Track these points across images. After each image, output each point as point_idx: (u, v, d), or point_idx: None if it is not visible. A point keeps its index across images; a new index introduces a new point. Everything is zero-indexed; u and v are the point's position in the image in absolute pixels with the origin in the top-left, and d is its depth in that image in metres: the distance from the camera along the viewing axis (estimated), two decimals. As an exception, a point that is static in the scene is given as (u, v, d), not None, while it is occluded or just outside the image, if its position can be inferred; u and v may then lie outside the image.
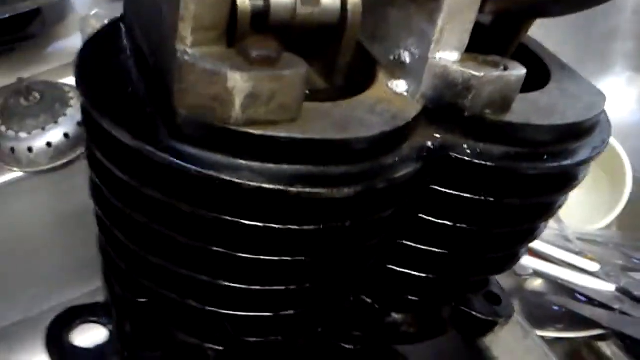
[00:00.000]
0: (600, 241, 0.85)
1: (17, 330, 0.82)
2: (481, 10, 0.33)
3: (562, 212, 0.88)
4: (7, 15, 0.74)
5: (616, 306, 0.77)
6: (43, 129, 0.68)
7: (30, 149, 0.68)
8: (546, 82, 0.40)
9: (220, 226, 0.31)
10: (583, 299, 0.79)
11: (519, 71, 0.34)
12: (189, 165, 0.28)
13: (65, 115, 0.70)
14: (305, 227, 0.31)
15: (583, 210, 0.89)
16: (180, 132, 0.29)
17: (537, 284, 0.83)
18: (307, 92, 0.37)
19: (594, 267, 0.80)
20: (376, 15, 0.36)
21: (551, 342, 0.77)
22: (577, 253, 0.82)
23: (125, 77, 0.33)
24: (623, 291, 0.78)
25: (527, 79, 0.38)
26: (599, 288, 0.79)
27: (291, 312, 0.36)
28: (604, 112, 0.40)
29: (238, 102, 0.28)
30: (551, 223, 0.86)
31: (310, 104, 0.31)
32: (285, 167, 0.29)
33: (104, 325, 0.46)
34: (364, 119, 0.32)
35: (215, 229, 0.31)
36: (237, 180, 0.28)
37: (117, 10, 0.74)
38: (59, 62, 0.81)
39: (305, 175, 0.29)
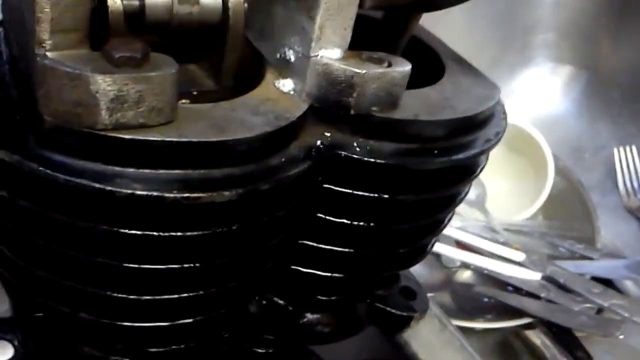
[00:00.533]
0: (526, 231, 0.87)
1: None
2: (361, 5, 0.33)
3: (488, 204, 0.90)
4: None
5: (542, 294, 0.78)
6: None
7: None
8: (441, 77, 0.40)
9: (99, 236, 0.30)
10: (511, 288, 0.81)
11: (403, 67, 0.34)
12: (57, 174, 0.27)
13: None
14: (189, 233, 0.30)
15: (509, 201, 0.91)
16: (48, 140, 0.28)
17: (465, 275, 0.84)
18: (195, 93, 0.36)
19: (520, 256, 0.82)
20: (263, 13, 0.36)
21: (481, 333, 0.78)
22: (503, 243, 0.84)
23: (0, 83, 0.32)
24: (549, 279, 0.80)
25: (422, 74, 0.38)
26: (525, 277, 0.80)
27: (189, 320, 0.36)
28: (498, 104, 0.40)
29: (103, 105, 0.27)
30: (478, 215, 0.88)
31: (189, 106, 0.31)
32: (161, 172, 0.29)
33: (9, 341, 0.45)
34: (245, 120, 0.31)
35: (95, 239, 0.30)
36: (108, 188, 0.27)
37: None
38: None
39: (183, 179, 0.29)
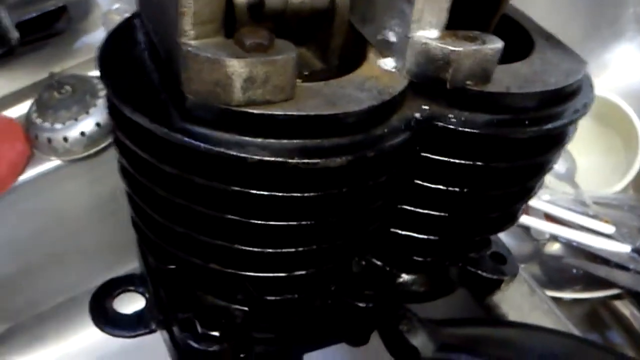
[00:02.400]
0: (616, 204, 0.87)
1: (64, 310, 0.88)
2: (458, -9, 0.36)
3: (578, 177, 0.91)
4: (35, 15, 0.80)
5: (631, 266, 0.79)
6: (76, 119, 0.74)
7: (65, 139, 0.74)
8: (530, 53, 0.43)
9: (232, 196, 0.35)
10: (599, 260, 0.82)
11: (495, 44, 0.37)
12: (199, 143, 0.33)
13: (95, 105, 0.75)
14: (306, 194, 0.35)
15: (599, 174, 0.92)
16: (190, 115, 0.33)
17: (555, 247, 0.85)
18: (306, 73, 0.41)
19: (610, 229, 0.82)
20: (364, 1, 0.40)
21: (570, 303, 0.80)
22: (593, 216, 0.84)
23: (141, 67, 0.37)
24: (638, 252, 0.81)
25: (513, 50, 0.41)
26: (614, 249, 0.81)
27: (303, 272, 0.41)
28: (586, 77, 0.43)
29: (237, 85, 0.32)
30: (567, 188, 0.89)
31: (305, 84, 0.35)
32: (284, 141, 0.33)
33: (141, 293, 0.51)
34: (353, 95, 0.35)
35: (227, 199, 0.35)
36: (242, 155, 0.32)
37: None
38: (86, 55, 0.86)
39: (302, 147, 0.33)
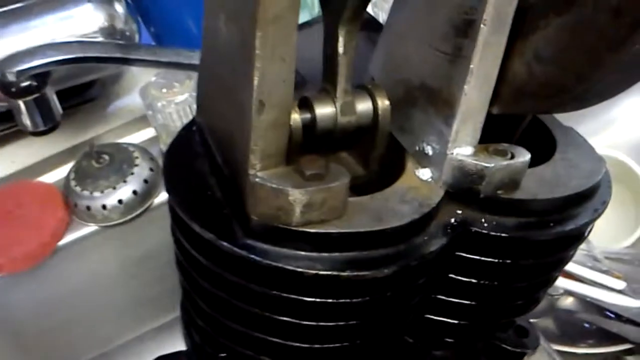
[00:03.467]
0: (627, 259, 0.91)
1: (96, 364, 0.92)
2: (489, 112, 0.40)
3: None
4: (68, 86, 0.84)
5: (643, 322, 0.82)
6: (114, 188, 0.78)
7: (104, 207, 0.78)
8: (552, 148, 0.47)
9: (288, 302, 0.39)
10: (611, 315, 0.85)
11: (524, 157, 0.41)
12: (261, 259, 0.36)
13: (132, 174, 0.79)
14: (355, 300, 0.39)
15: (609, 228, 0.95)
16: (253, 232, 0.37)
17: (568, 302, 0.89)
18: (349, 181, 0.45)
19: (621, 284, 0.86)
20: (403, 113, 0.44)
21: (583, 357, 0.83)
22: (604, 272, 0.88)
23: (203, 182, 0.41)
24: (649, 307, 0.84)
25: (536, 147, 0.45)
26: (626, 304, 0.84)
27: (346, 361, 0.44)
28: (605, 175, 0.47)
29: (297, 210, 0.36)
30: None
31: (353, 200, 0.39)
32: (336, 255, 0.37)
33: (189, 375, 0.55)
34: (397, 209, 0.39)
35: (284, 304, 0.39)
36: (299, 269, 0.36)
37: (174, 78, 0.82)
38: (120, 120, 0.90)
39: (352, 260, 0.37)
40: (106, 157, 0.80)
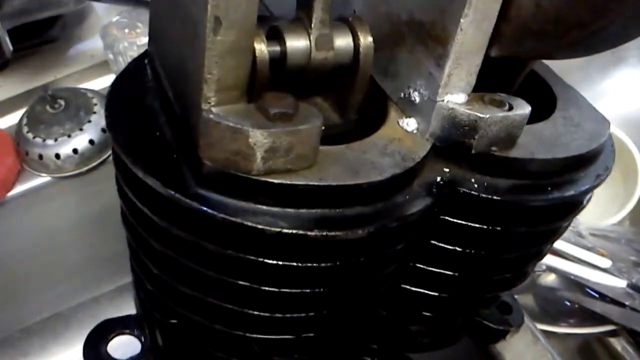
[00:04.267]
0: (613, 237, 0.87)
1: (49, 325, 0.86)
2: (487, 54, 0.35)
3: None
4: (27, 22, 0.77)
5: (627, 302, 0.79)
6: (69, 136, 0.71)
7: (57, 156, 0.71)
8: (552, 106, 0.42)
9: (246, 264, 0.33)
10: (595, 294, 0.81)
11: (523, 110, 0.36)
12: (215, 212, 0.31)
13: (90, 122, 0.72)
14: (323, 264, 0.34)
15: (596, 206, 0.91)
16: (207, 181, 0.31)
17: (550, 279, 0.85)
18: (323, 128, 0.39)
19: (606, 263, 0.82)
20: (387, 53, 0.38)
21: (563, 337, 0.79)
22: (589, 249, 0.84)
23: (153, 120, 0.36)
24: (634, 287, 0.80)
25: (534, 103, 0.40)
26: (610, 284, 0.80)
27: (311, 334, 0.39)
28: (608, 138, 0.42)
29: (259, 155, 0.30)
30: (564, 219, 0.88)
31: (326, 148, 0.34)
32: (303, 211, 0.32)
33: (137, 337, 0.49)
34: (376, 162, 0.34)
35: (241, 266, 0.34)
36: (260, 226, 0.31)
37: (137, 18, 0.75)
38: (81, 65, 0.83)
39: (322, 218, 0.32)
40: (62, 102, 0.73)
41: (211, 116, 0.30)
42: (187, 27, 0.30)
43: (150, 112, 0.36)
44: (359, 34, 0.36)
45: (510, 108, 0.36)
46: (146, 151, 0.34)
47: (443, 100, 0.35)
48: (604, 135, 0.41)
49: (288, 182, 0.31)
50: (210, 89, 0.29)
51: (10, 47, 0.67)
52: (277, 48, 0.35)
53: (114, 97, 0.37)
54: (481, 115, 0.34)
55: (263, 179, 0.31)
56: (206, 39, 0.28)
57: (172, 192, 0.31)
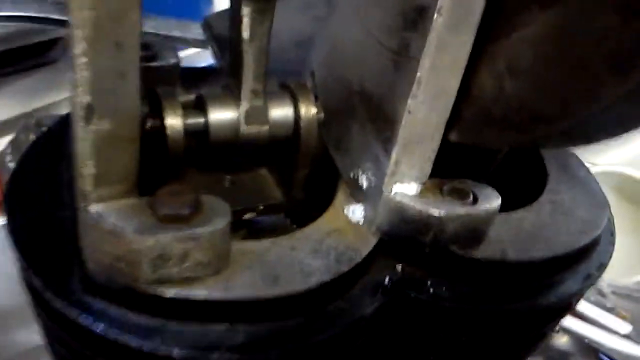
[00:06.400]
0: (638, 296, 0.79)
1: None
2: (445, 138, 0.29)
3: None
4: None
5: (648, 374, 0.71)
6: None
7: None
8: (542, 184, 0.36)
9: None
10: (612, 362, 0.74)
11: (490, 204, 0.30)
12: (95, 326, 0.26)
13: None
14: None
15: (620, 257, 0.83)
16: (92, 286, 0.26)
17: (563, 341, 0.77)
18: (261, 207, 0.34)
19: (626, 328, 0.74)
20: (340, 125, 0.33)
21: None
22: (609, 309, 0.76)
23: (57, 197, 0.31)
24: (656, 357, 0.72)
25: (520, 181, 0.34)
26: (629, 352, 0.73)
27: None
28: (607, 227, 0.35)
29: (145, 263, 0.25)
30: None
31: (245, 246, 0.28)
32: (205, 327, 0.26)
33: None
34: (304, 263, 0.28)
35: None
36: (146, 350, 0.25)
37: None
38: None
39: (228, 336, 0.26)
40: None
41: (88, 217, 0.25)
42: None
43: (57, 187, 0.31)
44: (300, 104, 0.31)
45: (475, 200, 0.30)
46: (40, 238, 0.29)
47: (390, 192, 0.29)
48: (599, 227, 0.34)
49: (182, 296, 0.26)
50: (87, 183, 0.24)
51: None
52: (200, 120, 0.30)
53: (22, 165, 0.33)
54: (434, 213, 0.29)
55: (152, 290, 0.25)
56: (78, 129, 0.23)
57: (53, 296, 0.26)
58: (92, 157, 0.24)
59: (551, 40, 0.22)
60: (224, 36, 0.37)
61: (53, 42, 0.81)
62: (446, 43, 0.25)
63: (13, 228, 0.29)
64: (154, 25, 0.68)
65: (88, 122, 0.23)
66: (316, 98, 0.32)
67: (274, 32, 0.30)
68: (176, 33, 0.69)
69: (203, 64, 0.76)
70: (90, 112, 0.23)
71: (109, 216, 0.25)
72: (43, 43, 0.79)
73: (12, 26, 0.71)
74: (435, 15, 0.25)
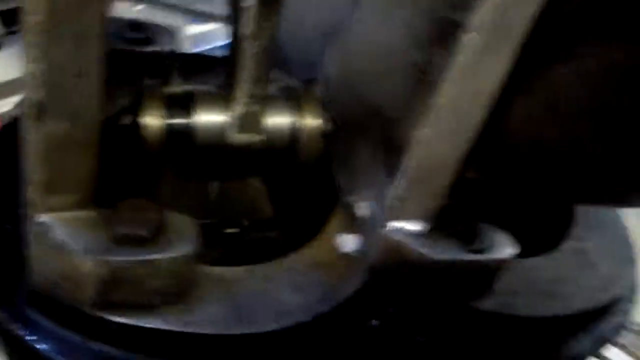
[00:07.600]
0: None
1: None
2: (461, 174, 0.25)
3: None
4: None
5: None
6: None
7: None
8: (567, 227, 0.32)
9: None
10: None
11: (502, 252, 0.26)
12: (38, 347, 0.23)
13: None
14: None
15: None
16: (36, 301, 0.23)
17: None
18: (245, 224, 0.30)
19: (640, 368, 0.70)
20: (351, 140, 0.29)
21: None
22: (621, 346, 0.72)
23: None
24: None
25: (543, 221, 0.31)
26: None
27: None
28: (629, 284, 0.31)
29: (92, 285, 0.22)
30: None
31: (216, 271, 0.25)
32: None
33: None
34: (280, 299, 0.25)
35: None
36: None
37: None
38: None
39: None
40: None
41: (35, 227, 0.22)
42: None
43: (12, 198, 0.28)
44: (305, 113, 0.27)
45: (482, 249, 0.26)
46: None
47: (389, 228, 0.25)
48: (622, 285, 0.30)
49: (132, 324, 0.22)
50: (36, 191, 0.21)
51: (2, 29, 0.62)
52: (183, 121, 0.26)
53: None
54: (435, 256, 0.25)
55: (97, 315, 0.22)
56: (28, 129, 0.20)
57: (-3, 307, 0.23)
58: (42, 161, 0.21)
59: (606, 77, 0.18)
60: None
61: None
62: (477, 67, 0.21)
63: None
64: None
65: (39, 122, 0.20)
66: (326, 107, 0.28)
67: (297, 18, 0.26)
68: (199, 6, 0.65)
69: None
70: (42, 110, 0.20)
71: (57, 229, 0.21)
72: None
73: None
74: (469, 33, 0.21)
